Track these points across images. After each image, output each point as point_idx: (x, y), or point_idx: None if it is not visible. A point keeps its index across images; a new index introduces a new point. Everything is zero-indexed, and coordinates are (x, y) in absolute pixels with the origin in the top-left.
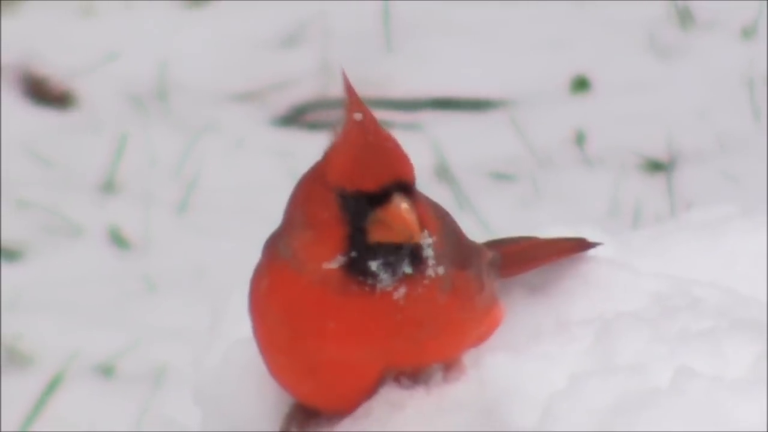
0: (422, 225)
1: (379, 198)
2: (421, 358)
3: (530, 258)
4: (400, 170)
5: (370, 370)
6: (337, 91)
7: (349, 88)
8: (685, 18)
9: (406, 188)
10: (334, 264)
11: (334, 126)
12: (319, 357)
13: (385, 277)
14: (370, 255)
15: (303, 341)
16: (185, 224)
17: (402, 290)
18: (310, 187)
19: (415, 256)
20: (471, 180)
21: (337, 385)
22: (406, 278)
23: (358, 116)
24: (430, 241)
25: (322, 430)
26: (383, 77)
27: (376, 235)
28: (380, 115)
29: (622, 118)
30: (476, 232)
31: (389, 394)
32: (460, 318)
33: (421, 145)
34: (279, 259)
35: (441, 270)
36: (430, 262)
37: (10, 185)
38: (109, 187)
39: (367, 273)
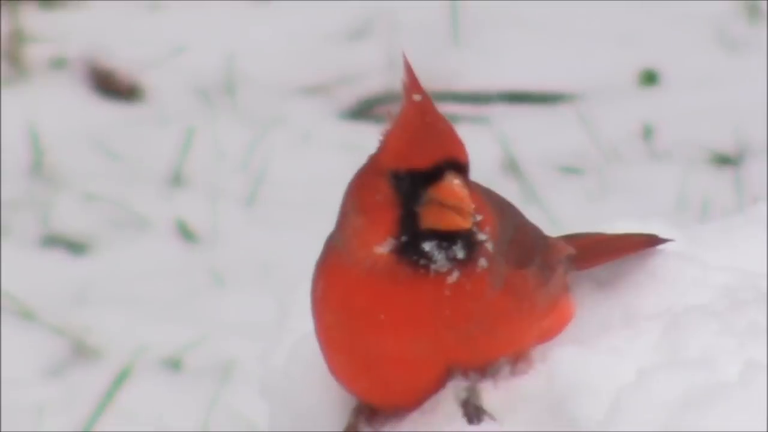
0: (475, 207)
1: (432, 177)
2: (476, 353)
3: (603, 252)
4: (453, 149)
5: (428, 367)
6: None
7: (408, 70)
8: (753, 12)
9: (460, 168)
10: (385, 247)
11: (390, 113)
12: (374, 353)
13: (439, 258)
14: (422, 239)
15: (358, 337)
16: (252, 218)
17: (455, 274)
18: (364, 175)
19: (469, 242)
20: (538, 174)
21: (393, 383)
22: (458, 264)
23: (417, 97)
24: (479, 219)
25: (389, 424)
26: (450, 71)
27: (428, 220)
28: (447, 108)
29: (689, 112)
30: (543, 226)
31: (457, 388)
32: (515, 316)
33: (489, 139)
34: (334, 257)
35: (495, 260)
36: (487, 245)
37: (77, 178)
38: (176, 180)
39: (420, 254)
